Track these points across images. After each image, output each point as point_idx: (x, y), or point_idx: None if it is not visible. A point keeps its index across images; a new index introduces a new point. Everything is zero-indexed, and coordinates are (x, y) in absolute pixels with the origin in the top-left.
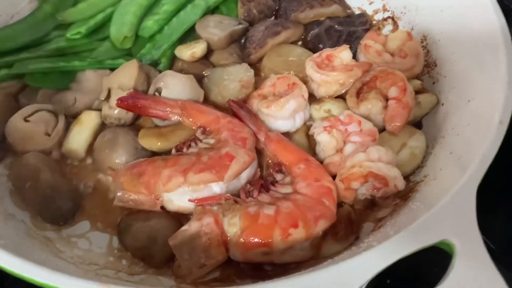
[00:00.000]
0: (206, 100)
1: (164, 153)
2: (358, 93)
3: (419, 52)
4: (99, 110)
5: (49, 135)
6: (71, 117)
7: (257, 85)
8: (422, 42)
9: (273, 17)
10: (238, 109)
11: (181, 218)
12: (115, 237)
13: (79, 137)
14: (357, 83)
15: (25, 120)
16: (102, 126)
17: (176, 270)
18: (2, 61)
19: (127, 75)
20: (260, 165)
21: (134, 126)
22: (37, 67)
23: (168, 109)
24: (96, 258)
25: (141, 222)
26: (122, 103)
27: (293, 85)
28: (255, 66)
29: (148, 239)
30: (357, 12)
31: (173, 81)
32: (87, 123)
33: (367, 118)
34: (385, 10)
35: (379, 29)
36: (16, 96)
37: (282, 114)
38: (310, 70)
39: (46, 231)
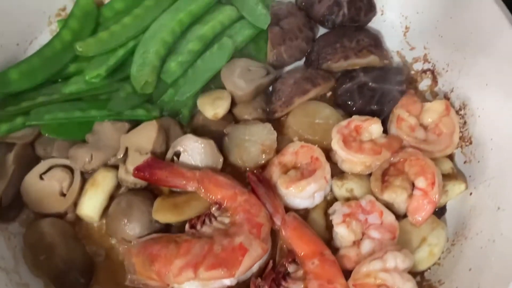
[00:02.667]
0: (226, 161)
1: (179, 225)
2: (384, 175)
3: (455, 130)
4: (115, 166)
5: (64, 195)
6: (87, 174)
7: (279, 145)
8: (460, 109)
9: (304, 59)
10: (256, 185)
11: None
12: None
13: (93, 202)
14: (384, 164)
15: (41, 177)
16: (117, 187)
17: None
18: (20, 107)
19: (145, 138)
20: (273, 245)
21: (150, 189)
22: (53, 118)
23: (184, 181)
24: None
25: None
26: (138, 173)
27: (316, 161)
28: (279, 119)
29: None
30: (396, 58)
31: (193, 145)
32: (103, 186)
33: (390, 205)
34: (426, 60)
35: (416, 81)
36: (32, 143)
37: (300, 196)
38: (336, 145)
39: None
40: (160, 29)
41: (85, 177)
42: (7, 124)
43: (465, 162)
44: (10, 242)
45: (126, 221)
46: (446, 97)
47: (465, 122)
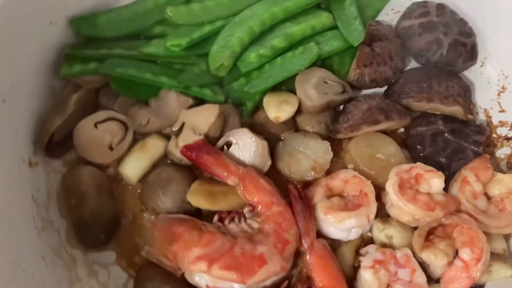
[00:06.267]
0: (273, 166)
1: (209, 213)
2: (430, 233)
3: None
4: (167, 137)
5: (112, 149)
6: (139, 135)
7: (331, 167)
8: None
9: (386, 88)
10: (296, 200)
11: None
12: (132, 281)
13: (136, 164)
14: (434, 222)
15: (95, 125)
16: (163, 157)
17: None
18: (97, 53)
19: (204, 119)
20: (294, 265)
21: (193, 169)
22: (124, 73)
23: (226, 173)
24: None
25: (157, 282)
26: (186, 152)
27: (364, 196)
28: (340, 141)
29: None
30: (481, 115)
31: (246, 141)
32: (151, 151)
33: (426, 266)
34: None
35: (495, 146)
36: (97, 91)
37: (338, 226)
38: (391, 187)
39: (75, 249)
40: (251, 17)
41: (137, 137)
42: (81, 66)
43: None
44: (49, 178)
45: (160, 193)
46: None
47: None
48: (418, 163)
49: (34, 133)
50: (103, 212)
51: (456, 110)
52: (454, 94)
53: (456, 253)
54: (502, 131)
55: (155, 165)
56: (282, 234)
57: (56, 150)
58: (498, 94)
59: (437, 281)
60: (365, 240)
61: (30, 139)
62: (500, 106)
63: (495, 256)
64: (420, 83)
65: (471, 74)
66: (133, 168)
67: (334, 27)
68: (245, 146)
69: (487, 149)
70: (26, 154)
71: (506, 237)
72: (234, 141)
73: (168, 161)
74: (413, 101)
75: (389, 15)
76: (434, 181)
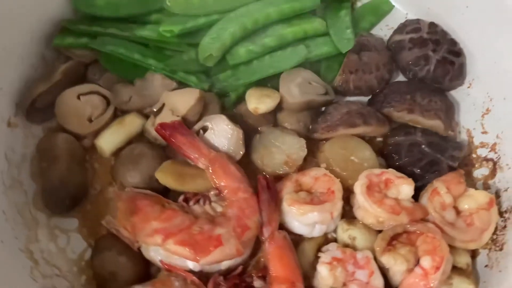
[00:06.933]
0: (247, 157)
1: (174, 195)
2: (394, 238)
3: (488, 229)
4: (147, 116)
5: (91, 120)
6: (120, 112)
7: (305, 165)
8: (506, 212)
9: (370, 97)
10: (263, 190)
11: (152, 267)
12: (90, 250)
13: (112, 138)
14: (399, 227)
15: (78, 97)
16: (140, 135)
17: None
18: (91, 29)
19: (183, 102)
20: (253, 255)
21: (167, 151)
22: (114, 50)
23: (197, 155)
24: (62, 262)
25: (113, 253)
26: (160, 130)
27: (331, 194)
28: (317, 141)
29: (110, 273)
30: (463, 135)
31: (222, 127)
32: (128, 127)
33: (386, 271)
34: (493, 150)
35: (474, 166)
36: (87, 65)
37: (300, 220)
38: (358, 188)
39: (39, 212)
40: (246, 14)
41: (117, 114)
42: (73, 39)
43: (486, 265)
44: (26, 141)
45: (130, 167)
46: (497, 195)
47: (505, 227)
48: (390, 169)
49: (19, 96)
50: (72, 178)
51: (436, 124)
52: (436, 108)
53: (418, 263)
54: (482, 152)
55: (130, 142)
56: (243, 219)
57: (37, 116)
58: (482, 116)
59: None
60: (329, 241)
61: (13, 100)
62: (483, 128)
63: (458, 270)
64: (403, 94)
65: (458, 94)
66: (108, 141)
67: (326, 34)
68: (221, 132)
69: (465, 168)
70: (6, 113)
71: (473, 254)
72: (210, 126)
73: (145, 141)
74: (394, 111)
75: (383, 30)
76: (404, 188)
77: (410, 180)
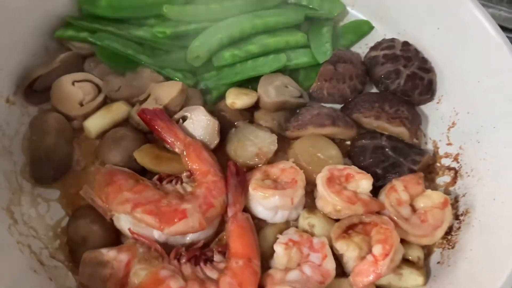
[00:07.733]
0: (222, 147)
1: (150, 177)
2: (350, 228)
3: (441, 226)
4: (134, 105)
5: (82, 105)
6: (109, 100)
7: (275, 158)
8: (462, 215)
9: (342, 104)
10: (232, 176)
11: (122, 237)
12: (67, 219)
13: (99, 121)
14: (355, 218)
15: (73, 83)
16: (125, 121)
17: (80, 277)
18: (91, 26)
19: (167, 92)
20: (218, 233)
21: (148, 137)
22: (109, 45)
23: (174, 139)
24: (40, 226)
25: (87, 221)
26: (142, 114)
27: (294, 183)
28: (288, 139)
29: (82, 238)
30: (430, 145)
31: (200, 118)
32: (114, 112)
33: (340, 257)
34: (455, 159)
35: (437, 174)
36: (84, 58)
37: (263, 204)
38: (319, 179)
39: (25, 181)
40: (234, 24)
41: (107, 102)
42: (74, 32)
43: (438, 262)
44: (21, 118)
45: (112, 147)
46: (456, 200)
47: (459, 228)
48: (352, 166)
49: (19, 79)
50: (58, 152)
51: (402, 131)
52: (403, 117)
53: (370, 251)
54: (445, 161)
55: (115, 126)
56: (209, 198)
57: (35, 98)
58: (448, 129)
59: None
60: (289, 228)
61: (13, 81)
62: (448, 140)
63: (409, 263)
64: (373, 103)
65: (427, 108)
66: (95, 123)
67: (307, 47)
68: (199, 122)
69: (429, 175)
70: (6, 91)
71: (428, 250)
72: (189, 116)
73: (129, 126)
74: (362, 116)
75: (362, 48)
76: (363, 182)
77: (369, 175)
